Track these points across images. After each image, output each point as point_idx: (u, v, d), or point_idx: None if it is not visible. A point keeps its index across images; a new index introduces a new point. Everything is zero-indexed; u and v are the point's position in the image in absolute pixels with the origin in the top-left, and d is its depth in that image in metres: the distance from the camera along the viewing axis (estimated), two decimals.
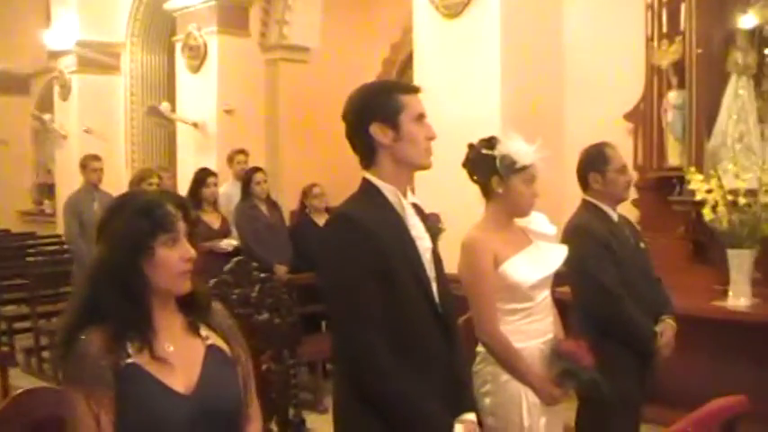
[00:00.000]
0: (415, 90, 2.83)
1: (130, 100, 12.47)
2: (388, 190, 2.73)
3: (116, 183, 9.09)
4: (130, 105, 12.47)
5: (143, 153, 12.34)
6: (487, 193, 3.45)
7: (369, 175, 2.76)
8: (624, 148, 6.09)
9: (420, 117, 2.75)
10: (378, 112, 2.71)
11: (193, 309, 2.39)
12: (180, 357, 2.29)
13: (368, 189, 2.75)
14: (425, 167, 2.81)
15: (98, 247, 2.33)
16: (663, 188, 6.45)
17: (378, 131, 2.70)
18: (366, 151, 2.75)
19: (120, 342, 2.19)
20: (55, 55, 12.77)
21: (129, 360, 2.19)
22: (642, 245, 4.29)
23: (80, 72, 12.51)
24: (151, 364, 2.22)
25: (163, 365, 2.24)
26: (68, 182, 11.47)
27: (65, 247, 10.27)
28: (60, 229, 11.83)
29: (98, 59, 12.33)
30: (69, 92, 12.70)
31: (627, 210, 5.69)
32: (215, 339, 2.40)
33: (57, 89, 13.07)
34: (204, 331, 2.39)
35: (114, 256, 2.24)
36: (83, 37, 12.21)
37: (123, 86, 12.55)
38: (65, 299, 8.65)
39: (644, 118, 6.59)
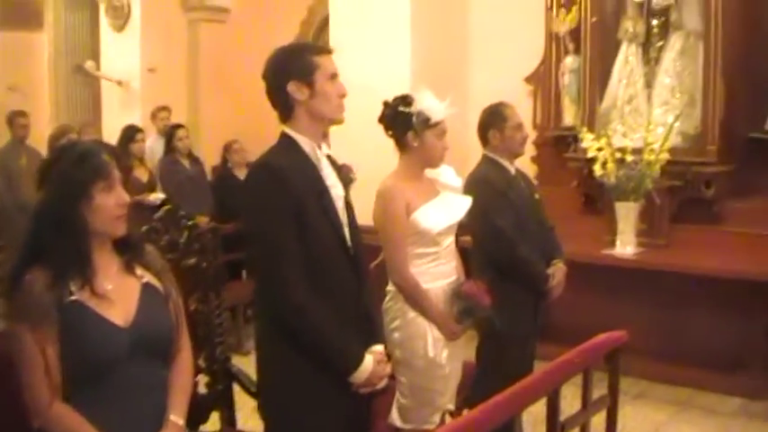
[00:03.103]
0: (329, 51, 2.97)
1: (54, 58, 12.28)
2: (304, 142, 2.89)
3: (40, 140, 8.88)
4: (54, 63, 12.29)
5: (67, 110, 12.13)
6: (402, 146, 3.61)
7: (287, 129, 2.91)
8: (524, 109, 6.28)
9: (333, 76, 2.90)
10: (294, 72, 2.86)
11: (128, 250, 2.50)
12: (118, 294, 2.41)
13: (286, 141, 2.91)
14: (338, 122, 2.97)
15: (40, 193, 2.42)
16: (559, 146, 6.75)
17: (294, 89, 2.85)
18: (284, 107, 2.90)
19: (62, 280, 2.30)
20: None
21: (72, 297, 2.31)
22: (537, 196, 4.51)
23: (2, 29, 12.10)
24: (92, 300, 2.33)
25: (102, 301, 2.35)
26: None
27: None
28: None
29: (20, 16, 12.12)
30: None
31: (526, 165, 5.91)
32: (149, 278, 2.53)
33: None
34: (139, 270, 2.51)
35: (55, 201, 2.36)
36: None
37: (46, 44, 12.35)
38: None
39: (543, 81, 6.87)
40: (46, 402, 2.28)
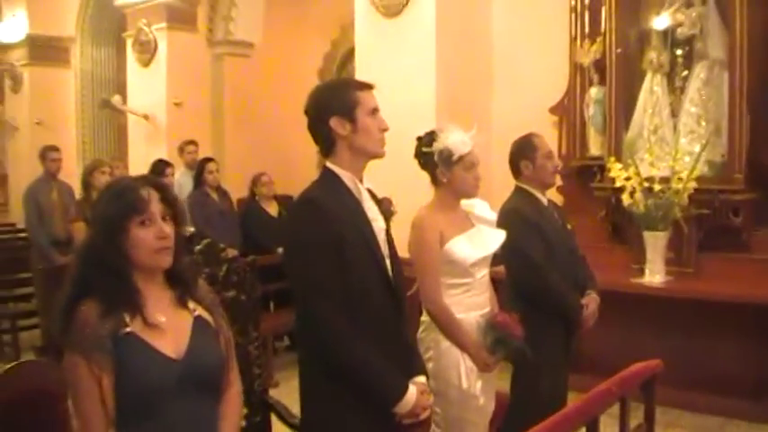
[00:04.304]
0: (369, 87, 3.00)
1: (81, 93, 12.42)
2: (346, 177, 2.90)
3: (67, 173, 9.04)
4: (81, 98, 12.43)
5: (93, 144, 12.32)
6: (435, 181, 3.67)
7: (329, 164, 2.93)
8: (549, 140, 6.28)
9: (374, 111, 2.94)
10: (336, 107, 2.88)
11: (181, 284, 2.51)
12: (170, 326, 2.41)
13: (328, 176, 2.92)
14: (380, 156, 2.98)
15: (89, 230, 2.54)
16: (585, 176, 6.75)
17: (337, 124, 2.87)
18: (326, 142, 2.92)
19: (114, 312, 2.32)
20: (4, 48, 12.71)
21: (127, 329, 2.32)
22: (569, 226, 4.50)
23: (31, 65, 12.47)
24: (144, 332, 2.34)
25: (155, 333, 2.36)
26: (20, 172, 11.56)
27: (18, 234, 10.40)
28: (13, 217, 11.88)
29: (48, 53, 12.30)
30: (21, 84, 12.66)
31: (553, 196, 6.00)
32: (201, 311, 2.53)
33: (7, 82, 12.97)
34: (191, 304, 2.51)
35: (96, 237, 2.41)
36: (33, 31, 12.19)
37: (73, 80, 12.51)
38: (22, 284, 8.83)
39: (567, 111, 6.89)
40: None
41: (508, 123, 6.09)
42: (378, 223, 2.99)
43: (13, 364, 2.88)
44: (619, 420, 3.12)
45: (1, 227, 12.41)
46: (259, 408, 3.61)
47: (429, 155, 3.62)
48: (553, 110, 7.04)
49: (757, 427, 5.54)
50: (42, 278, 7.68)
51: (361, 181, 2.99)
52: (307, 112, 2.99)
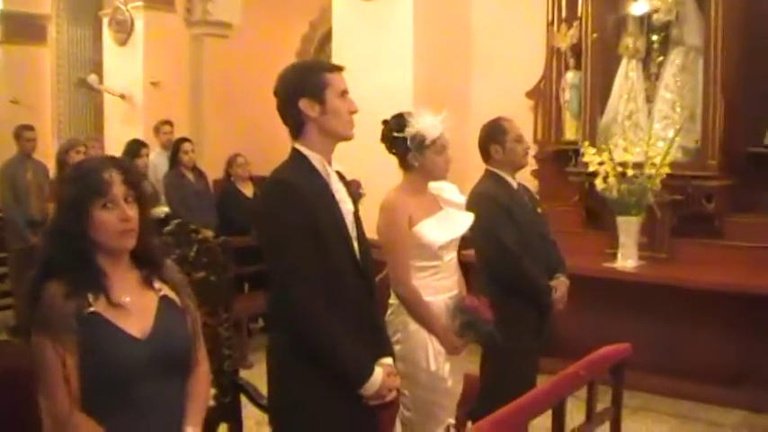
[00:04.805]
0: (339, 69, 2.99)
1: (57, 71, 12.35)
2: (315, 158, 2.91)
3: (43, 152, 9.03)
4: (57, 77, 12.37)
5: (69, 124, 12.25)
6: (404, 164, 3.66)
7: (298, 145, 2.94)
8: (525, 124, 6.34)
9: (343, 93, 2.93)
10: (306, 89, 2.88)
11: (147, 264, 2.52)
12: (136, 306, 2.43)
13: (297, 157, 2.93)
14: (348, 138, 2.98)
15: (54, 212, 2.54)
16: (560, 160, 6.79)
17: (306, 106, 2.87)
18: (295, 124, 2.92)
19: (79, 292, 2.33)
20: None
21: (91, 309, 2.33)
22: (539, 210, 4.51)
23: (6, 43, 12.37)
24: (109, 312, 2.36)
25: (120, 313, 2.38)
26: None
27: None
28: None
29: (24, 30, 12.18)
30: None
31: (527, 180, 5.88)
32: (167, 291, 2.54)
33: None
34: (157, 284, 2.53)
35: (60, 219, 2.43)
36: (7, 8, 12.05)
37: (49, 58, 12.43)
38: None
39: (543, 96, 6.92)
40: (65, 412, 2.30)
41: (486, 107, 6.05)
42: (346, 205, 3.00)
43: None
44: (586, 404, 3.14)
45: None
46: (229, 389, 3.59)
47: (401, 139, 3.61)
48: (530, 94, 7.07)
49: (730, 412, 5.59)
50: (16, 258, 7.67)
51: (329, 163, 2.99)
52: (276, 94, 2.99)
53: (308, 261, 2.80)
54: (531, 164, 6.67)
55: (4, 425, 2.72)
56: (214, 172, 8.58)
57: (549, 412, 2.91)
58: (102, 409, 2.33)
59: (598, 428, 3.18)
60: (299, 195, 2.82)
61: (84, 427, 2.31)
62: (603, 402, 3.22)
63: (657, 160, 5.92)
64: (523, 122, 5.38)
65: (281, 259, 2.86)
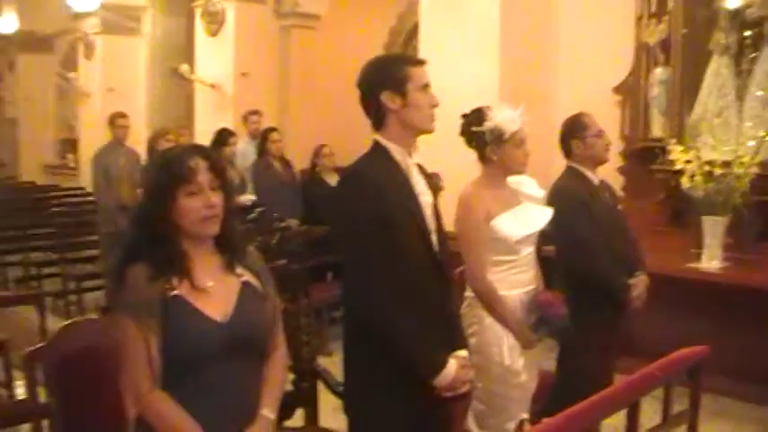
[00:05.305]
0: (421, 62, 3.04)
1: (150, 61, 12.61)
2: (395, 150, 2.96)
3: (136, 140, 9.22)
4: (150, 66, 12.62)
5: (161, 113, 12.44)
6: (483, 158, 3.67)
7: (379, 137, 2.99)
8: (612, 120, 6.32)
9: (425, 86, 2.97)
10: (387, 82, 2.94)
11: (230, 250, 2.59)
12: (217, 291, 2.50)
13: (378, 149, 2.98)
14: (429, 131, 3.02)
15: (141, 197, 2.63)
16: (646, 157, 6.61)
17: (387, 98, 2.93)
18: (377, 116, 2.98)
19: (163, 276, 2.42)
20: (79, 16, 12.85)
21: (174, 292, 2.41)
22: (619, 207, 4.47)
23: (103, 33, 12.67)
24: (192, 296, 2.44)
25: (202, 297, 2.45)
26: (91, 137, 11.75)
27: (87, 198, 10.62)
28: (83, 181, 12.17)
29: (120, 22, 12.48)
30: (93, 52, 12.89)
31: (613, 176, 5.89)
32: (249, 277, 2.60)
33: (81, 49, 13.22)
34: (239, 269, 2.59)
35: (145, 205, 2.52)
36: (106, 0, 12.29)
37: (144, 48, 12.70)
38: (89, 246, 9.06)
39: (631, 92, 6.76)
40: (145, 390, 2.39)
41: (571, 102, 5.96)
42: (425, 197, 3.03)
43: (67, 322, 3.04)
44: (662, 405, 3.11)
45: (71, 191, 12.74)
46: (307, 375, 3.70)
47: (479, 133, 3.62)
48: (617, 89, 6.95)
49: None
50: (107, 241, 7.88)
51: (410, 155, 3.02)
52: (359, 86, 3.05)
53: (380, 253, 2.84)
54: (618, 160, 6.62)
55: (88, 398, 2.85)
56: (299, 162, 8.68)
57: (624, 413, 2.89)
58: (180, 388, 2.42)
59: (675, 431, 3.14)
60: (373, 188, 2.86)
61: (162, 404, 2.40)
62: (682, 405, 3.18)
63: (746, 159, 5.77)
64: (610, 118, 5.35)
65: (352, 250, 2.93)
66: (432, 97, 3.01)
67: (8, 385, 5.18)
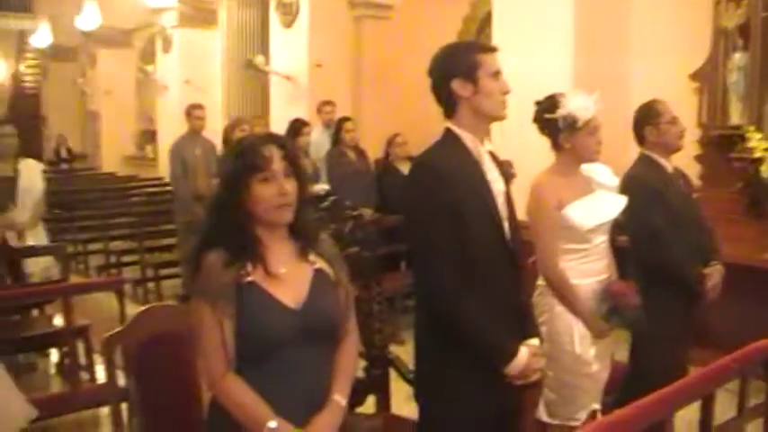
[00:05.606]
0: (492, 49, 3.02)
1: (226, 53, 12.78)
2: (467, 138, 2.94)
3: (212, 131, 9.38)
4: (226, 58, 12.79)
5: (237, 103, 12.63)
6: (556, 146, 3.65)
7: (451, 125, 2.97)
8: (689, 107, 6.20)
9: (496, 74, 2.94)
10: (458, 69, 2.92)
11: (303, 237, 2.61)
12: (291, 277, 2.52)
13: (449, 137, 2.97)
14: (501, 118, 3.01)
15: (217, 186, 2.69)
16: (724, 145, 6.50)
17: (458, 86, 2.91)
18: (448, 104, 2.96)
19: (238, 261, 2.45)
20: (156, 11, 13.15)
21: (249, 278, 2.45)
22: (695, 195, 4.40)
23: (181, 27, 12.95)
24: (266, 282, 2.47)
25: (276, 283, 2.48)
26: (169, 129, 12.01)
27: (165, 188, 10.84)
28: (161, 171, 12.46)
29: (197, 15, 12.72)
30: (171, 45, 13.20)
31: (690, 164, 5.79)
32: (321, 264, 2.62)
33: (159, 43, 13.55)
34: (312, 257, 2.61)
35: (222, 192, 2.55)
36: None
37: (220, 40, 12.88)
38: (166, 235, 9.30)
39: (709, 78, 6.62)
40: (220, 373, 2.45)
41: (646, 89, 5.78)
42: (497, 185, 3.01)
43: (144, 308, 3.13)
44: (738, 397, 3.07)
45: (150, 180, 13.07)
46: (378, 362, 3.72)
47: (552, 121, 3.59)
48: (694, 76, 6.81)
49: None
50: (184, 230, 8.03)
51: (482, 142, 3.01)
52: (430, 74, 3.04)
53: (448, 242, 2.83)
54: (695, 148, 6.51)
55: (165, 381, 2.93)
56: (373, 152, 8.69)
57: (698, 405, 2.86)
58: (253, 372, 2.46)
59: (750, 424, 3.10)
60: (441, 177, 2.85)
61: (236, 388, 2.45)
62: (758, 399, 3.14)
63: None
64: (687, 105, 5.23)
65: (421, 239, 2.93)
66: (503, 84, 2.98)
67: (90, 369, 5.35)
